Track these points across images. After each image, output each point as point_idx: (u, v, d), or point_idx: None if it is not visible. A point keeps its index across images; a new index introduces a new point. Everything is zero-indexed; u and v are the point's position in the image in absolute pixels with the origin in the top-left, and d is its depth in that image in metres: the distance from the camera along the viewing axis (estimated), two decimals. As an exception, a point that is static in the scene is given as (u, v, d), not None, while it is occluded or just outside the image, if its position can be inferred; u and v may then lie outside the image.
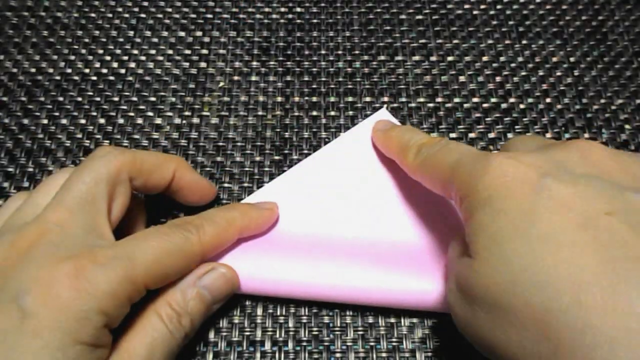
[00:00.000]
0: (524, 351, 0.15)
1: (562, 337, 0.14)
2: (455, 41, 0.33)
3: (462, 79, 0.32)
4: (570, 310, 0.14)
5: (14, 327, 0.16)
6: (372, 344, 0.24)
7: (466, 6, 0.35)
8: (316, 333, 0.24)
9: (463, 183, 0.18)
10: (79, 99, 0.31)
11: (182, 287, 0.21)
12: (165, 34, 0.33)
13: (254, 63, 0.32)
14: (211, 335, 0.24)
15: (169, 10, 0.35)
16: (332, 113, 0.31)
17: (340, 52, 0.33)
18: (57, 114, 0.30)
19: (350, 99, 0.31)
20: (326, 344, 0.24)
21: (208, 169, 0.28)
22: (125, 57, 0.32)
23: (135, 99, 0.31)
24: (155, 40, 0.33)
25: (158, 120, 0.30)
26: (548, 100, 0.31)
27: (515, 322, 0.15)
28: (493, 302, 0.16)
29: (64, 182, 0.21)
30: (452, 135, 0.30)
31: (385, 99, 0.31)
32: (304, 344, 0.24)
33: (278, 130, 0.30)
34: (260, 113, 0.30)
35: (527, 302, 0.15)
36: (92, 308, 0.17)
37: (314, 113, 0.31)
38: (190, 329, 0.21)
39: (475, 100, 0.31)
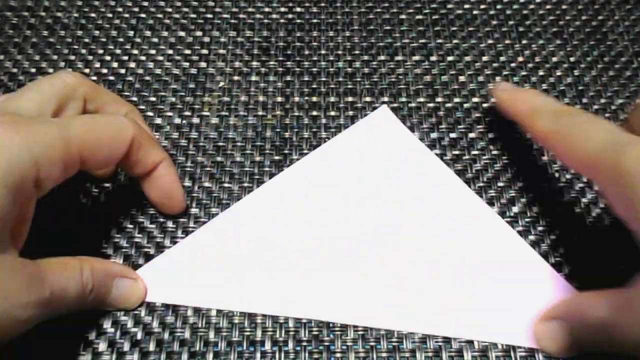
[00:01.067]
0: None
1: None
2: (455, 41, 0.33)
3: (462, 79, 0.32)
4: None
5: None
6: (372, 344, 0.24)
7: (466, 6, 0.35)
8: (316, 333, 0.24)
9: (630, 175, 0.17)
10: (79, 99, 0.31)
11: (106, 270, 0.22)
12: (165, 34, 0.33)
13: (254, 63, 0.32)
14: (211, 335, 0.24)
15: (169, 10, 0.35)
16: (332, 113, 0.31)
17: (340, 52, 0.33)
18: (57, 114, 0.30)
19: (350, 99, 0.31)
20: (326, 344, 0.24)
21: (208, 169, 0.28)
22: (125, 57, 0.32)
23: (135, 99, 0.31)
24: (155, 40, 0.33)
25: (158, 120, 0.30)
26: (548, 100, 0.31)
27: None
28: None
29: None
30: (452, 135, 0.30)
31: (385, 99, 0.31)
32: (304, 344, 0.24)
33: (278, 130, 0.30)
34: (260, 113, 0.30)
35: None
36: (23, 152, 0.17)
37: (314, 113, 0.31)
38: (88, 305, 0.21)
39: (475, 100, 0.31)
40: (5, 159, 0.17)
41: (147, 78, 0.32)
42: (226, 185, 0.28)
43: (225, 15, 0.34)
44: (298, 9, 0.35)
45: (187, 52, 0.33)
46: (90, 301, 0.21)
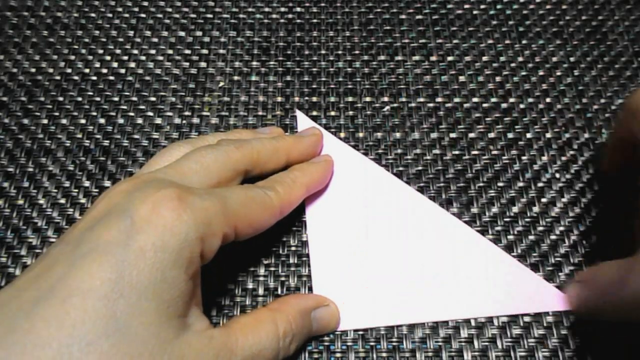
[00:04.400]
0: None
1: None
2: (455, 41, 0.33)
3: (462, 79, 0.32)
4: None
5: (120, 242, 0.17)
6: (372, 344, 0.24)
7: (466, 6, 0.35)
8: (316, 333, 0.24)
9: None
10: (79, 99, 0.31)
11: (301, 310, 0.22)
12: (165, 34, 0.33)
13: (254, 63, 0.32)
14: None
15: (169, 10, 0.35)
16: (332, 113, 0.31)
17: (340, 52, 0.33)
18: (57, 114, 0.30)
19: (350, 99, 0.31)
20: (326, 344, 0.24)
21: (208, 169, 0.28)
22: (125, 57, 0.32)
23: (135, 99, 0.31)
24: (155, 40, 0.33)
25: (158, 120, 0.30)
26: (548, 100, 0.31)
27: None
28: None
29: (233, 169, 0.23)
30: (452, 135, 0.30)
31: (385, 99, 0.31)
32: (304, 343, 0.24)
33: (278, 130, 0.30)
34: (260, 113, 0.30)
35: None
36: (191, 231, 0.18)
37: (314, 113, 0.31)
38: (290, 353, 0.21)
39: (475, 100, 0.31)
40: (176, 240, 0.17)
41: (147, 78, 0.32)
42: (226, 185, 0.28)
43: (225, 15, 0.34)
44: (298, 9, 0.35)
45: (187, 52, 0.33)
46: (292, 349, 0.21)
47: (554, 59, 0.33)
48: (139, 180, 0.20)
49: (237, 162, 0.23)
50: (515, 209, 0.27)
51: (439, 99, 0.31)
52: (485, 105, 0.31)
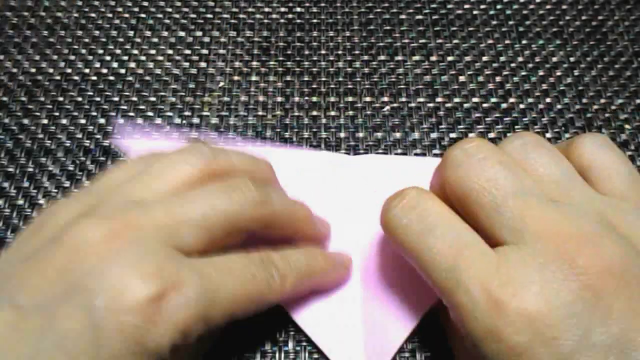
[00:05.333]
0: None
1: None
2: (455, 41, 0.33)
3: (462, 79, 0.32)
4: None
5: (81, 335, 0.15)
6: (372, 344, 0.24)
7: (466, 6, 0.35)
8: (316, 333, 0.24)
9: None
10: (79, 99, 0.31)
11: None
12: (165, 34, 0.33)
13: (254, 63, 0.32)
14: (211, 335, 0.24)
15: (169, 10, 0.35)
16: (332, 113, 0.31)
17: (340, 52, 0.33)
18: (57, 114, 0.30)
19: (350, 99, 0.31)
20: (326, 344, 0.24)
21: (208, 169, 0.28)
22: (125, 57, 0.32)
23: (135, 99, 0.31)
24: (155, 40, 0.33)
25: (158, 120, 0.30)
26: (548, 100, 0.31)
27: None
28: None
29: (198, 177, 0.19)
30: (452, 135, 0.30)
31: (385, 99, 0.31)
32: (304, 344, 0.24)
33: (278, 130, 0.30)
34: (260, 113, 0.30)
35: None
36: (164, 341, 0.16)
37: (314, 113, 0.31)
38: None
39: (475, 100, 0.31)
40: (142, 349, 0.15)
41: (147, 78, 0.32)
42: (226, 185, 0.28)
43: (225, 15, 0.34)
44: (298, 9, 0.35)
45: (187, 52, 0.33)
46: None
47: (554, 59, 0.33)
48: (117, 233, 0.17)
49: (249, 221, 0.19)
50: (515, 209, 0.27)
51: (439, 99, 0.31)
52: (485, 105, 0.31)
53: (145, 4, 0.35)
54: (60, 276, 0.16)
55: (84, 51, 0.33)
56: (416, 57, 0.33)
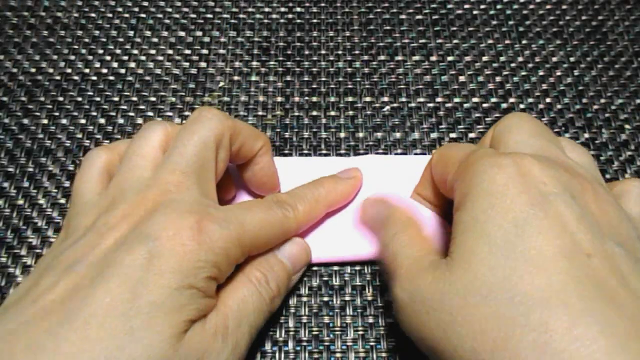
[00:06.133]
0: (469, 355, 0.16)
1: (521, 353, 0.15)
2: (455, 41, 0.33)
3: (462, 79, 0.32)
4: (537, 329, 0.15)
5: (141, 265, 0.18)
6: (372, 344, 0.24)
7: (466, 6, 0.35)
8: (316, 333, 0.24)
9: (465, 177, 0.19)
10: (79, 99, 0.31)
11: (266, 256, 0.22)
12: (165, 34, 0.33)
13: (254, 63, 0.32)
14: (211, 335, 0.24)
15: (169, 10, 0.35)
16: (332, 113, 0.31)
17: (340, 52, 0.33)
18: (57, 114, 0.30)
19: (350, 99, 0.31)
20: (326, 344, 0.24)
21: (208, 169, 0.28)
22: (125, 57, 0.32)
23: (135, 99, 0.31)
24: (155, 40, 0.33)
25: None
26: (548, 100, 0.31)
27: (472, 330, 0.16)
28: (455, 307, 0.17)
29: (166, 141, 0.22)
30: (452, 135, 0.30)
31: (385, 99, 0.31)
32: (304, 344, 0.24)
33: (278, 130, 0.30)
34: (260, 113, 0.30)
35: (496, 313, 0.16)
36: (209, 260, 0.19)
37: (314, 113, 0.31)
38: (276, 292, 0.22)
39: (475, 100, 0.31)
40: (193, 266, 0.18)
41: (147, 78, 0.32)
42: (226, 185, 0.28)
43: (225, 15, 0.34)
44: (298, 9, 0.35)
45: (187, 52, 0.33)
46: (276, 292, 0.22)
47: (554, 59, 0.33)
48: (161, 196, 0.20)
49: (221, 133, 0.22)
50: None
51: (439, 99, 0.31)
52: (485, 105, 0.31)
53: (145, 4, 0.35)
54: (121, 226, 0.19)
55: (84, 51, 0.33)
56: (416, 57, 0.33)
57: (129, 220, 0.19)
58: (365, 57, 0.33)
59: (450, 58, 0.33)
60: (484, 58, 0.33)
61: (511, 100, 0.31)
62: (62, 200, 0.27)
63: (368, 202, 0.25)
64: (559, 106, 0.31)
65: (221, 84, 0.32)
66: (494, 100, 0.31)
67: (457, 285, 0.17)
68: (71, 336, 0.16)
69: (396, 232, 0.21)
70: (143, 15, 0.34)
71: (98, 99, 0.31)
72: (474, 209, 0.17)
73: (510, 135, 0.21)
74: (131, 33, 0.33)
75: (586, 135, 0.30)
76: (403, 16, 0.35)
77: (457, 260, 0.17)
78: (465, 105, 0.31)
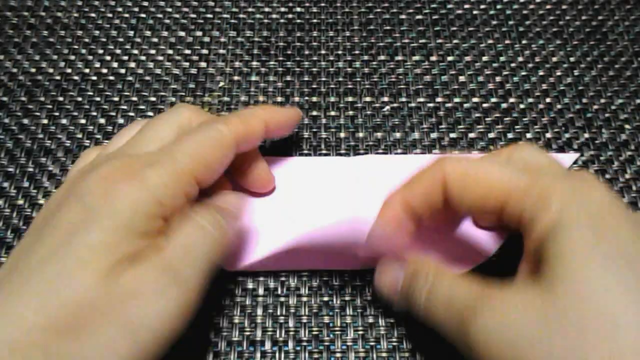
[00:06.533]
0: None
1: None
2: (455, 41, 0.33)
3: (462, 79, 0.32)
4: None
5: (79, 219, 0.18)
6: (372, 344, 0.24)
7: (466, 6, 0.35)
8: (316, 333, 0.24)
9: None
10: (79, 99, 0.31)
11: (211, 199, 0.23)
12: (165, 34, 0.33)
13: (254, 63, 0.32)
14: (211, 335, 0.24)
15: (169, 10, 0.35)
16: (332, 113, 0.31)
17: (340, 52, 0.33)
18: (57, 114, 0.30)
19: (350, 99, 0.31)
20: (326, 344, 0.24)
21: (208, 169, 0.28)
22: (125, 57, 0.32)
23: (135, 99, 0.31)
24: (155, 40, 0.33)
25: (158, 120, 0.30)
26: (548, 100, 0.31)
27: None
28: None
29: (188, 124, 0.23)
30: (452, 135, 0.30)
31: (385, 99, 0.31)
32: (304, 344, 0.24)
33: (278, 130, 0.30)
34: (260, 113, 0.30)
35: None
36: (147, 197, 0.19)
37: (314, 113, 0.31)
38: (225, 226, 0.21)
39: (475, 100, 0.31)
40: (131, 209, 0.18)
41: (147, 78, 0.32)
42: (226, 185, 0.28)
43: (225, 15, 0.34)
44: (298, 9, 0.35)
45: (187, 52, 0.33)
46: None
47: (554, 59, 0.33)
48: (94, 160, 0.22)
49: (189, 119, 0.23)
50: (515, 209, 0.27)
51: (439, 99, 0.31)
52: (485, 105, 0.31)
53: (145, 4, 0.35)
54: (61, 195, 0.20)
55: (84, 51, 0.33)
56: (416, 57, 0.33)
57: (67, 183, 0.20)
58: (365, 57, 0.33)
59: (450, 58, 0.33)
60: (484, 58, 0.33)
61: (511, 100, 0.31)
62: (62, 200, 0.27)
63: (382, 270, 0.23)
64: (559, 106, 0.31)
65: (221, 84, 0.32)
66: (494, 100, 0.31)
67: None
68: (12, 288, 0.17)
69: (432, 284, 0.21)
70: (143, 15, 0.34)
71: (98, 99, 0.31)
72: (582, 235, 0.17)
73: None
74: (131, 33, 0.33)
75: (586, 135, 0.30)
76: (403, 16, 0.35)
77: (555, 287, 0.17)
78: (465, 105, 0.31)
